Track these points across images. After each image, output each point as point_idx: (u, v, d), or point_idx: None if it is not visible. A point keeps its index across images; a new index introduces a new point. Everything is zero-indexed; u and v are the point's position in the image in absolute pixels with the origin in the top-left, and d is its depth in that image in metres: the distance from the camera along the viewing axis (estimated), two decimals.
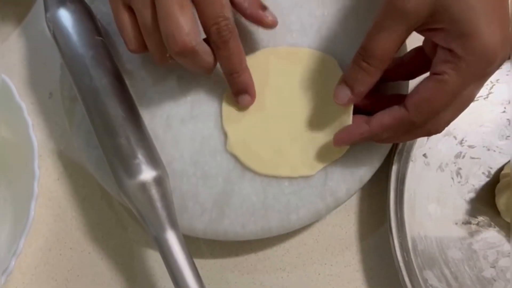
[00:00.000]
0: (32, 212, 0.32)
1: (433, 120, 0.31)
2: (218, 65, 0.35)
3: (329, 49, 0.38)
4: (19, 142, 0.34)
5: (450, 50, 0.30)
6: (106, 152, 0.34)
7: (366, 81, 0.33)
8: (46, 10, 0.36)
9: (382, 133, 0.33)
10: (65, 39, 0.35)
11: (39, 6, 0.44)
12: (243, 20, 0.37)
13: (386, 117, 0.32)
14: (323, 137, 0.37)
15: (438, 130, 0.33)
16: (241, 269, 0.39)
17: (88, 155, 0.37)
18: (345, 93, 0.34)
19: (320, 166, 0.36)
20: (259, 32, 0.38)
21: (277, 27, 0.38)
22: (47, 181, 0.40)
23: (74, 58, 0.35)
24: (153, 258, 0.39)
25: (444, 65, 0.30)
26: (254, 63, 0.37)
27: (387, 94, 0.37)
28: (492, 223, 0.40)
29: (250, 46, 0.38)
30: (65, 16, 0.35)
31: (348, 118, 0.36)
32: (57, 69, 0.39)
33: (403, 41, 0.31)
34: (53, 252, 0.39)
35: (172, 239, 0.31)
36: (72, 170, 0.41)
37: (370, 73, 0.32)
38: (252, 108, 0.37)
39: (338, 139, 0.35)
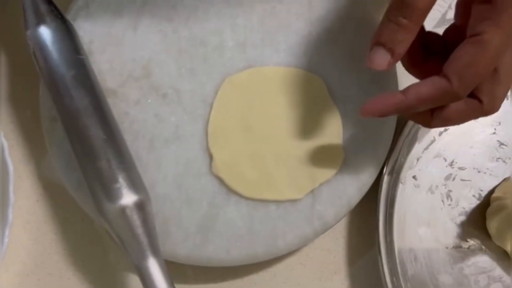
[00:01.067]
0: (6, 240, 0.31)
1: (486, 97, 0.29)
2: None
3: (316, 69, 0.38)
4: None
5: (487, 2, 0.27)
6: (86, 175, 0.33)
7: (407, 40, 0.29)
8: (26, 27, 0.35)
9: (420, 105, 0.29)
10: (45, 58, 0.34)
11: (21, 22, 0.43)
12: (226, 37, 0.36)
13: (424, 87, 0.29)
14: (310, 159, 0.36)
15: (494, 108, 0.30)
16: None
17: (68, 177, 0.36)
18: (385, 57, 0.29)
19: (308, 189, 0.35)
20: (246, 51, 0.38)
21: (264, 46, 0.37)
22: (25, 203, 0.39)
23: (54, 77, 0.34)
24: (136, 284, 0.37)
25: (482, 24, 0.27)
26: (240, 82, 0.37)
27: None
28: (483, 247, 0.39)
29: (236, 65, 0.37)
30: (46, 34, 0.34)
31: (338, 137, 0.35)
32: (38, 87, 0.38)
33: None
34: (31, 277, 0.38)
35: (154, 268, 0.30)
36: (52, 192, 0.39)
37: (411, 30, 0.28)
38: (238, 128, 0.36)
39: (368, 109, 0.31)
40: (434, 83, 0.28)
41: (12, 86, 0.42)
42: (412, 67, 0.33)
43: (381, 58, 0.30)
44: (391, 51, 0.29)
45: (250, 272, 0.38)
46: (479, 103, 0.30)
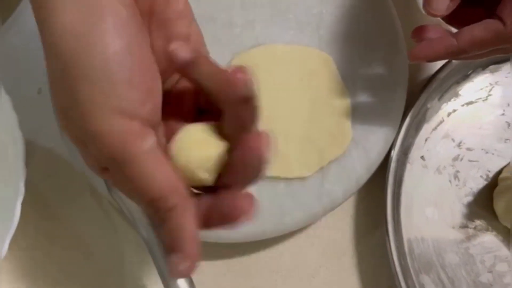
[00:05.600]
0: (18, 212, 0.31)
1: (509, 18, 0.28)
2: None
3: (326, 48, 0.37)
4: (4, 139, 0.33)
5: None
6: None
7: None
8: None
9: (472, 49, 0.29)
10: None
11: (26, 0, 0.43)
12: (236, 14, 0.36)
13: (477, 31, 0.29)
14: (319, 137, 0.36)
15: None
16: (234, 272, 0.38)
17: (78, 153, 0.36)
18: (444, 1, 0.29)
19: (317, 167, 0.36)
20: (255, 29, 0.37)
21: (274, 24, 0.37)
22: (35, 179, 0.39)
23: None
24: (144, 260, 0.38)
25: None
26: (248, 60, 0.37)
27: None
28: (489, 227, 0.39)
29: (245, 42, 0.37)
30: None
31: (347, 116, 0.35)
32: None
33: None
34: (41, 252, 0.38)
35: (163, 242, 0.30)
36: (61, 169, 0.39)
37: None
38: None
39: (418, 53, 0.30)
40: (488, 26, 0.28)
41: (20, 63, 0.42)
42: (451, 17, 0.32)
43: (439, 2, 0.29)
44: None
45: (258, 249, 0.38)
46: (502, 25, 0.29)
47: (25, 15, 0.43)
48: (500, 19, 0.28)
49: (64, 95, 0.20)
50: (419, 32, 0.32)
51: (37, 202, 0.39)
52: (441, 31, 0.31)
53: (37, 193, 0.39)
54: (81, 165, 0.36)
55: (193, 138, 0.22)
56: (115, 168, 0.21)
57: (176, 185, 0.21)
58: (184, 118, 0.24)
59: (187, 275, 0.24)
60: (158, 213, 0.22)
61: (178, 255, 0.22)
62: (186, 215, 0.22)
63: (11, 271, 0.37)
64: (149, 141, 0.21)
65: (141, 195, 0.21)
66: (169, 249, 0.22)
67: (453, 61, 0.39)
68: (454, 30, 0.32)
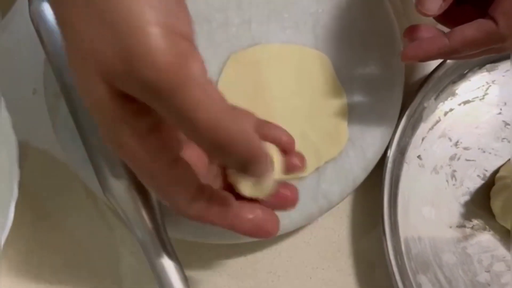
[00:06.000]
0: (12, 213, 0.31)
1: (502, 17, 0.28)
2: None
3: (322, 47, 0.37)
4: None
5: None
6: (91, 151, 0.32)
7: None
8: (29, 3, 0.35)
9: (464, 48, 0.29)
10: (49, 34, 0.34)
11: None
12: (231, 14, 0.36)
13: (470, 30, 0.29)
14: (316, 137, 0.36)
15: (509, 48, 0.30)
16: (230, 273, 0.38)
17: (72, 154, 0.36)
18: (436, 1, 0.29)
19: (313, 167, 0.35)
20: (251, 28, 0.37)
21: (270, 23, 0.37)
22: (29, 181, 0.39)
23: (58, 53, 0.33)
24: (140, 261, 0.38)
25: None
26: (245, 60, 0.36)
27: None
28: (486, 227, 0.39)
29: (242, 42, 0.37)
30: (49, 10, 0.34)
31: (343, 116, 0.35)
32: (41, 64, 0.37)
33: None
34: (35, 253, 0.38)
35: (159, 242, 0.30)
36: (56, 170, 0.39)
37: None
38: (242, 106, 0.36)
39: (410, 54, 0.30)
40: (480, 25, 0.28)
41: (15, 63, 0.41)
42: (443, 16, 0.32)
43: (431, 2, 0.29)
44: None
45: (255, 250, 0.38)
46: (494, 25, 0.29)
47: (20, 15, 0.42)
48: (492, 19, 0.28)
49: (95, 15, 0.19)
50: (411, 31, 0.32)
51: (31, 203, 0.38)
52: (433, 30, 0.31)
53: (31, 195, 0.39)
54: (76, 166, 0.36)
55: None
56: (161, 97, 0.19)
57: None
58: None
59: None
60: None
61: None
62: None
63: (5, 272, 0.37)
64: (202, 65, 0.19)
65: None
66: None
67: (449, 60, 0.39)
68: (447, 30, 0.32)
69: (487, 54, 0.31)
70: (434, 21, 0.33)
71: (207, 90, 0.19)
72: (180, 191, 0.24)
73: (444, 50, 0.29)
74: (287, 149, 0.30)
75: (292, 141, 0.30)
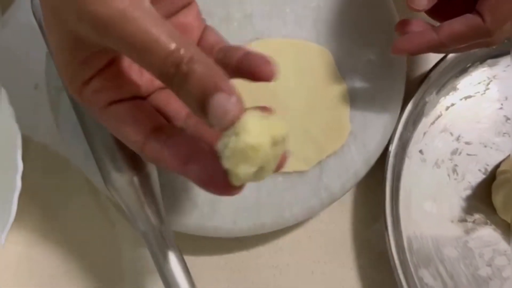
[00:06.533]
0: (15, 206, 0.31)
1: (488, 13, 0.29)
2: None
3: (324, 41, 0.37)
4: (1, 132, 0.33)
5: None
6: (93, 145, 0.32)
7: None
8: None
9: (451, 43, 0.30)
10: None
11: None
12: (233, 9, 0.36)
13: (457, 25, 0.30)
14: (317, 131, 0.36)
15: (495, 42, 0.31)
16: (232, 266, 0.38)
17: (75, 149, 0.36)
18: None
19: (315, 161, 0.35)
20: (253, 23, 0.37)
21: (272, 18, 0.37)
22: (31, 175, 0.38)
23: None
24: (142, 255, 0.38)
25: None
26: None
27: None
28: (488, 221, 0.39)
29: (243, 37, 0.37)
30: None
31: (345, 110, 0.35)
32: (43, 59, 0.37)
33: None
34: (37, 248, 0.38)
35: (161, 235, 0.30)
36: (58, 165, 0.39)
37: None
38: (244, 101, 0.36)
39: (400, 47, 0.31)
40: (467, 20, 0.29)
41: (16, 58, 0.41)
42: (434, 11, 0.33)
43: None
44: None
45: (256, 244, 0.38)
46: (481, 20, 0.29)
47: (22, 10, 0.42)
48: (479, 14, 0.29)
49: None
50: (402, 25, 0.33)
51: (33, 198, 0.38)
52: (423, 25, 0.32)
53: (33, 189, 0.39)
54: (78, 160, 0.36)
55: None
56: (115, 31, 0.21)
57: (187, 39, 0.21)
58: None
59: (238, 115, 0.22)
60: (179, 67, 0.21)
61: (220, 95, 0.21)
62: (209, 61, 0.21)
63: (7, 266, 0.37)
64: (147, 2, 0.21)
65: (155, 51, 0.21)
66: (200, 99, 0.21)
67: (450, 54, 0.39)
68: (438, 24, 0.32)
69: (474, 48, 0.32)
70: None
71: (156, 19, 0.21)
72: (132, 130, 0.24)
73: (433, 43, 0.30)
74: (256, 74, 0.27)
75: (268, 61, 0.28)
